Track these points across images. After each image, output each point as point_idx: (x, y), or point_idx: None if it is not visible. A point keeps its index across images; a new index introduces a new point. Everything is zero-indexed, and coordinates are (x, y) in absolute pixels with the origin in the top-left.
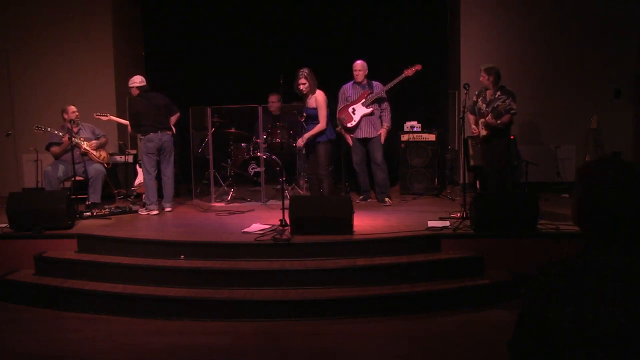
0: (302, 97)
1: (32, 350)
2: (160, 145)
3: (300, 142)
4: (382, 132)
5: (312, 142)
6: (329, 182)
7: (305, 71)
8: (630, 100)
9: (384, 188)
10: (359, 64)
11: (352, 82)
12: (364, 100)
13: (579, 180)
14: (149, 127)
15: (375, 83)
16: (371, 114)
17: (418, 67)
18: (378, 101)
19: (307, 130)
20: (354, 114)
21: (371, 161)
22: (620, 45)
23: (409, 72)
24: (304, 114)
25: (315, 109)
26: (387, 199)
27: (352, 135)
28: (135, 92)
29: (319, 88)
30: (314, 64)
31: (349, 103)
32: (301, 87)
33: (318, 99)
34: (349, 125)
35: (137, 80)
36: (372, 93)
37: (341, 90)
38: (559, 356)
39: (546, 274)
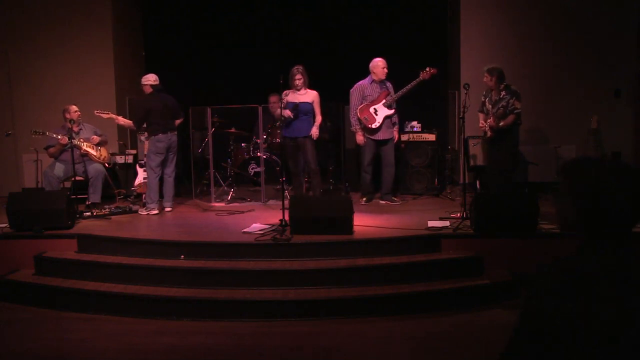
0: (296, 90)
1: (32, 350)
2: (169, 145)
3: (316, 131)
4: (395, 133)
5: (295, 138)
6: (319, 176)
7: (300, 68)
8: (630, 100)
9: (391, 188)
10: (384, 61)
11: (368, 80)
12: (384, 100)
13: (568, 180)
14: (159, 128)
15: (387, 83)
16: (392, 115)
17: (434, 70)
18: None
19: (302, 121)
20: (377, 114)
21: (384, 161)
22: (620, 45)
23: (425, 75)
24: (293, 108)
25: (310, 103)
26: (394, 198)
27: (371, 137)
28: (149, 90)
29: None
30: (313, 63)
31: (368, 103)
32: (297, 82)
33: (315, 96)
34: (372, 126)
35: (152, 79)
36: (390, 94)
37: (357, 88)
38: (556, 355)
39: (542, 273)
